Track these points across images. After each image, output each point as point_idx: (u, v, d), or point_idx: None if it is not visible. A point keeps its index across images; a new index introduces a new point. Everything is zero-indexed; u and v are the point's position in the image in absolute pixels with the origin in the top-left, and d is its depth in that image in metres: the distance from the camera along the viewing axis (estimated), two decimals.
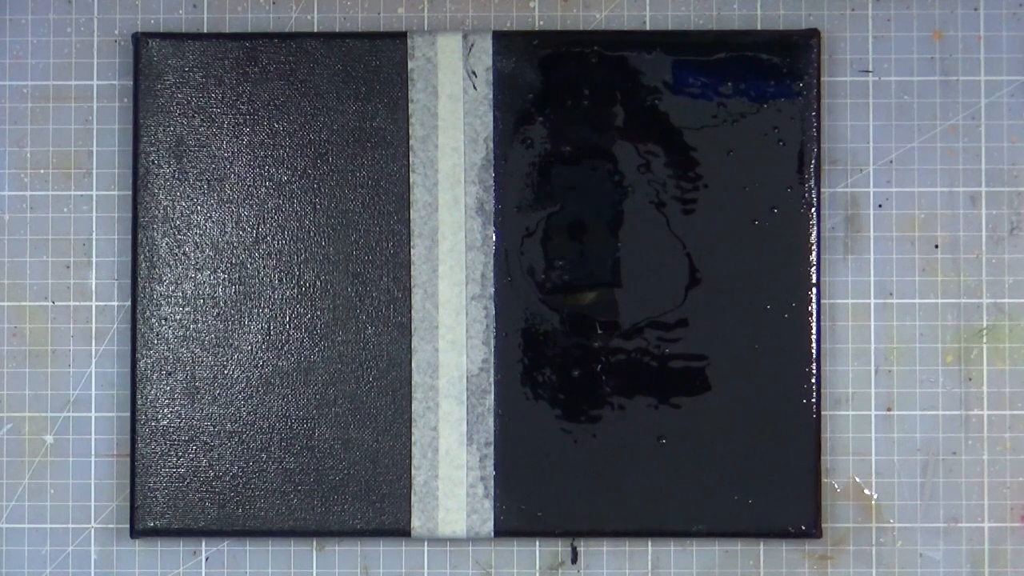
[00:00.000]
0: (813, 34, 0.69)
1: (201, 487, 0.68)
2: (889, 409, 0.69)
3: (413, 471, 0.68)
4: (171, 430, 0.68)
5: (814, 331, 0.68)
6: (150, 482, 0.68)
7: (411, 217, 0.68)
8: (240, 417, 0.68)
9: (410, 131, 0.69)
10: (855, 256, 0.70)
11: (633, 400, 0.68)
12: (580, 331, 0.68)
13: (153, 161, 0.69)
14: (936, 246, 0.70)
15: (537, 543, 0.69)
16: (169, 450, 0.68)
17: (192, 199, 0.69)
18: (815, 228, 0.68)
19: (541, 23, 0.71)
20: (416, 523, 0.68)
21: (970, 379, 0.70)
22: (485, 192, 0.68)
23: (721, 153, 0.68)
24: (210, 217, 0.69)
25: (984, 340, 0.70)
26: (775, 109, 0.68)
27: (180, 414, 0.68)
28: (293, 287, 0.68)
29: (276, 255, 0.68)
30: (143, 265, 0.68)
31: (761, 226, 0.68)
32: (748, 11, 0.70)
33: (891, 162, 0.70)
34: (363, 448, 0.68)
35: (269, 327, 0.68)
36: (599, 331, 0.68)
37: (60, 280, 0.70)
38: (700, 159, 0.68)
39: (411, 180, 0.68)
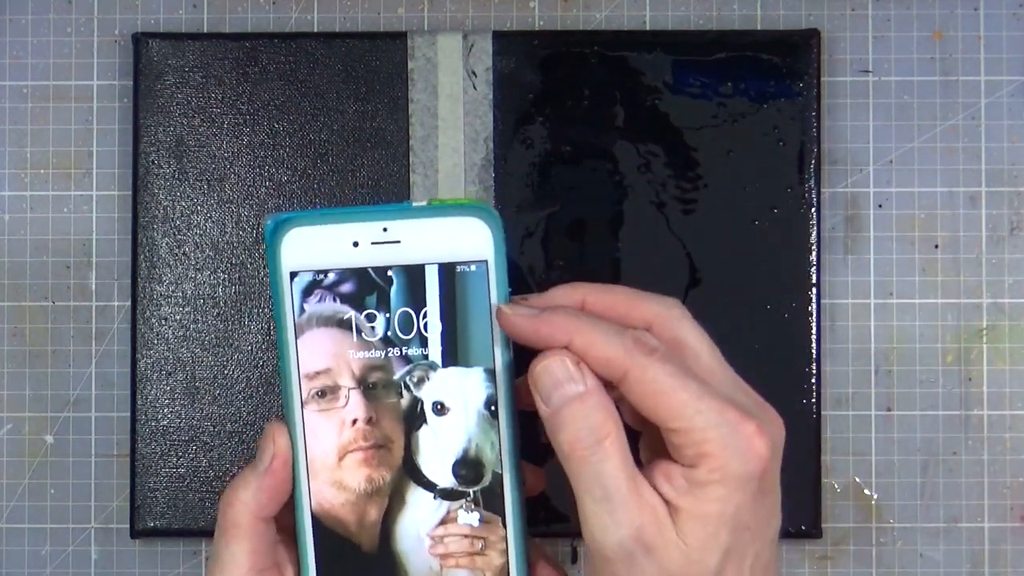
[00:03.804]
0: (813, 34, 0.69)
1: (201, 487, 0.68)
2: (889, 409, 0.69)
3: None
4: (171, 430, 0.68)
5: (814, 331, 0.68)
6: (150, 482, 0.68)
7: None
8: (240, 417, 0.68)
9: (410, 131, 0.69)
10: (855, 256, 0.70)
11: None
12: None
13: (153, 161, 0.69)
14: (936, 246, 0.70)
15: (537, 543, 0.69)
16: (169, 450, 0.68)
17: (192, 199, 0.69)
18: (815, 228, 0.68)
19: (541, 23, 0.71)
20: None
21: (970, 379, 0.70)
22: (485, 192, 0.68)
23: (721, 153, 0.68)
24: (210, 217, 0.69)
25: (984, 340, 0.70)
26: (775, 109, 0.68)
27: (180, 414, 0.68)
28: None
29: None
30: (143, 265, 0.68)
31: (761, 226, 0.68)
32: (748, 11, 0.70)
33: (891, 162, 0.70)
34: None
35: (269, 327, 0.68)
36: None
37: (60, 280, 0.70)
38: (700, 159, 0.68)
39: (411, 180, 0.68)
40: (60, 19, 0.71)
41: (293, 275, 0.51)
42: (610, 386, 0.50)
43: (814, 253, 0.68)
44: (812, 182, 0.68)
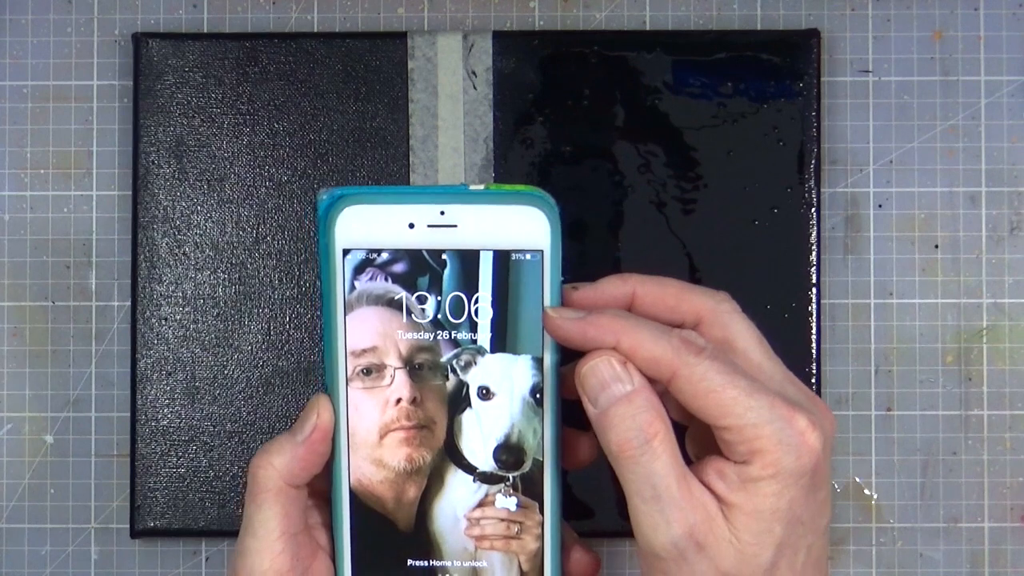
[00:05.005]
0: (813, 34, 0.69)
1: (201, 487, 0.68)
2: (889, 409, 0.70)
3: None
4: (171, 430, 0.68)
5: (814, 331, 0.68)
6: (150, 482, 0.68)
7: None
8: (240, 417, 0.68)
9: (410, 131, 0.69)
10: (855, 256, 0.70)
11: None
12: None
13: (153, 161, 0.69)
14: (936, 246, 0.70)
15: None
16: (169, 450, 0.68)
17: (192, 199, 0.69)
18: (815, 228, 0.68)
19: (541, 23, 0.71)
20: None
21: (970, 379, 0.70)
22: None
23: (721, 153, 0.68)
24: (210, 217, 0.69)
25: (984, 340, 0.70)
26: (775, 109, 0.68)
27: (180, 414, 0.68)
28: (293, 287, 0.68)
29: (276, 255, 0.68)
30: (143, 265, 0.68)
31: (761, 226, 0.68)
32: (748, 11, 0.70)
33: (891, 162, 0.70)
34: None
35: (269, 327, 0.68)
36: None
37: (60, 280, 0.70)
38: (700, 159, 0.68)
39: (411, 180, 0.68)
40: (60, 19, 0.71)
41: (346, 252, 0.51)
42: (655, 383, 0.50)
43: (814, 253, 0.68)
44: (812, 182, 0.68)
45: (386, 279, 0.52)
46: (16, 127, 0.70)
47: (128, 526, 0.69)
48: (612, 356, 0.49)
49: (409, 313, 0.52)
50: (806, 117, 0.68)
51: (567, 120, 0.68)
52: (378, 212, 0.51)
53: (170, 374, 0.68)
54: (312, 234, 0.68)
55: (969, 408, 0.69)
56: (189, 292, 0.68)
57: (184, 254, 0.69)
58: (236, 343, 0.68)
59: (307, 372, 0.68)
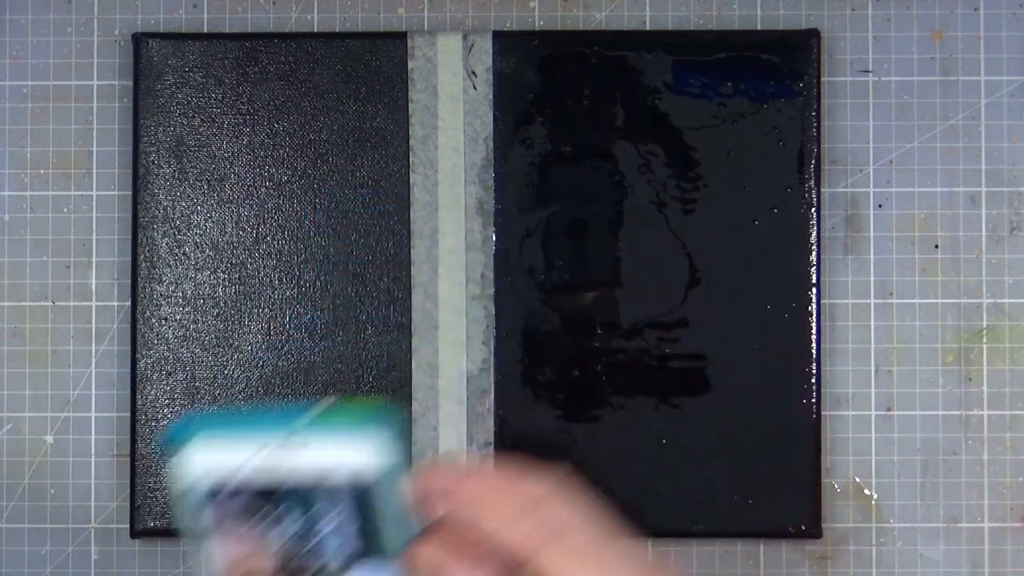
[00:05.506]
0: (813, 34, 0.69)
1: None
2: (889, 409, 0.69)
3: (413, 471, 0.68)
4: None
5: (814, 331, 0.68)
6: (150, 482, 0.68)
7: (411, 217, 0.68)
8: None
9: (410, 131, 0.69)
10: (855, 256, 0.70)
11: (633, 400, 0.68)
12: (580, 331, 0.68)
13: (153, 161, 0.69)
14: (936, 246, 0.70)
15: None
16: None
17: (192, 199, 0.69)
18: (815, 228, 0.68)
19: (541, 23, 0.71)
20: None
21: (970, 379, 0.70)
22: (485, 192, 0.68)
23: (721, 153, 0.68)
24: (210, 217, 0.69)
25: (984, 340, 0.70)
26: (775, 109, 0.68)
27: (180, 414, 0.68)
28: (293, 287, 0.68)
29: (276, 255, 0.68)
30: (143, 265, 0.68)
31: (761, 226, 0.68)
32: (748, 11, 0.70)
33: (891, 162, 0.70)
34: None
35: (269, 327, 0.68)
36: (599, 331, 0.68)
37: (60, 280, 0.70)
38: (700, 159, 0.68)
39: (411, 180, 0.68)
40: (60, 19, 0.71)
41: (197, 481, 0.51)
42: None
43: (814, 253, 0.68)
44: (812, 182, 0.68)
45: (238, 505, 0.51)
46: (16, 127, 0.70)
47: (128, 526, 0.69)
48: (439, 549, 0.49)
49: (262, 537, 0.52)
50: (806, 117, 0.68)
51: (567, 120, 0.68)
52: (225, 439, 0.51)
53: (170, 374, 0.68)
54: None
55: (969, 408, 0.69)
56: (189, 292, 0.68)
57: (184, 254, 0.69)
58: (236, 343, 0.68)
59: (307, 372, 0.68)
